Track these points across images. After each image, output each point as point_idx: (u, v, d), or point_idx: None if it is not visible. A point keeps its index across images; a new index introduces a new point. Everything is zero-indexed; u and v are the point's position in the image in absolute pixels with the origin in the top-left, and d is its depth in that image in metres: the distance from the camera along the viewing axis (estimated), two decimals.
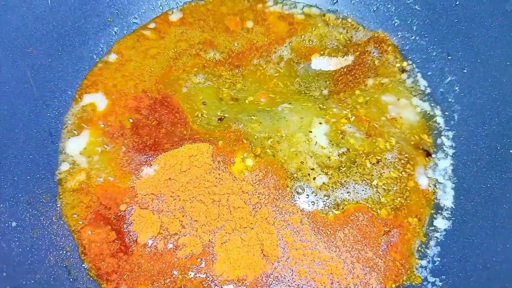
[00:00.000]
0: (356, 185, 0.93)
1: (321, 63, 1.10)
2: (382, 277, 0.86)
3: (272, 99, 1.04)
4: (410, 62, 1.10)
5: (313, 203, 0.92)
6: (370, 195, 0.93)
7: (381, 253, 0.88)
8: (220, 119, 1.01)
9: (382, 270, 0.87)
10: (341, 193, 0.93)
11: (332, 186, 0.93)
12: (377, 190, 0.93)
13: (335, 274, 0.86)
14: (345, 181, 0.94)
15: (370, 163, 0.95)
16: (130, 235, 0.88)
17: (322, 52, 1.11)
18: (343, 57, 1.09)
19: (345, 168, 0.95)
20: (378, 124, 1.00)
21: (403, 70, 1.09)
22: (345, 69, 1.08)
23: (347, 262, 0.87)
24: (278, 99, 1.04)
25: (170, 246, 0.87)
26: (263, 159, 0.95)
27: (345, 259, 0.87)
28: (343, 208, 0.91)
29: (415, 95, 1.06)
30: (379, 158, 0.96)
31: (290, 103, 1.02)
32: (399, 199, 0.93)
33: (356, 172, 0.94)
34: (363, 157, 0.96)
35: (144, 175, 0.94)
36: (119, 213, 0.90)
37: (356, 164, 0.95)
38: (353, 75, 1.06)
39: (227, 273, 0.85)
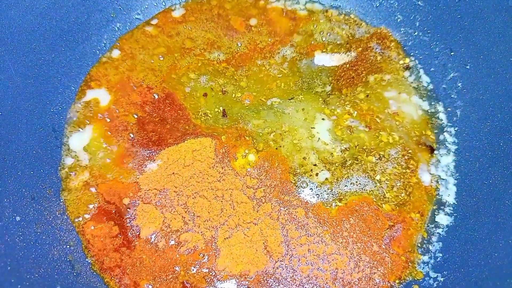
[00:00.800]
0: (360, 178, 0.94)
1: (324, 59, 1.09)
2: (388, 272, 0.86)
3: (262, 102, 1.03)
4: (413, 58, 1.10)
5: (317, 195, 0.92)
6: (373, 189, 0.93)
7: (383, 247, 0.88)
8: (223, 115, 1.01)
9: (389, 265, 0.87)
10: (345, 186, 0.93)
11: (335, 181, 0.93)
12: (380, 185, 0.93)
13: (340, 269, 0.86)
14: (348, 176, 0.94)
15: (375, 158, 0.95)
16: (133, 230, 0.89)
17: (324, 49, 1.10)
18: (345, 53, 1.09)
19: (348, 164, 0.95)
20: (380, 118, 1.00)
21: (406, 67, 1.08)
22: (347, 65, 1.07)
23: (353, 254, 0.87)
24: (269, 99, 1.03)
25: (172, 243, 0.87)
26: (265, 151, 0.95)
27: (352, 250, 0.87)
28: (346, 200, 0.91)
29: (417, 91, 1.06)
30: (382, 153, 0.96)
31: (279, 99, 1.02)
32: (402, 195, 0.93)
33: (360, 167, 0.95)
34: (366, 153, 0.96)
35: (147, 170, 0.94)
36: (122, 208, 0.91)
37: (359, 160, 0.95)
38: (355, 71, 1.06)
39: (230, 268, 0.85)
